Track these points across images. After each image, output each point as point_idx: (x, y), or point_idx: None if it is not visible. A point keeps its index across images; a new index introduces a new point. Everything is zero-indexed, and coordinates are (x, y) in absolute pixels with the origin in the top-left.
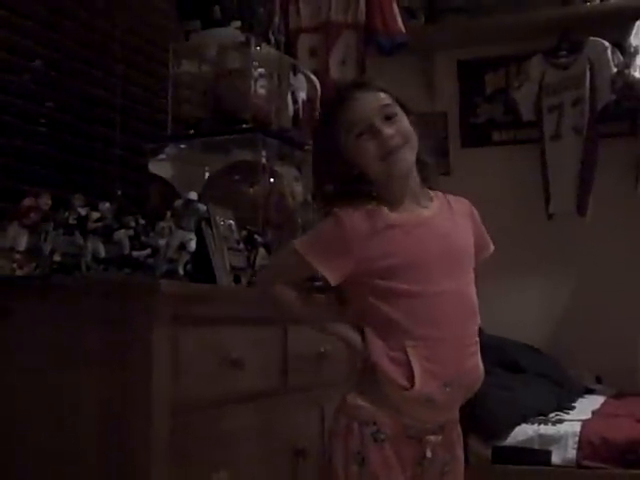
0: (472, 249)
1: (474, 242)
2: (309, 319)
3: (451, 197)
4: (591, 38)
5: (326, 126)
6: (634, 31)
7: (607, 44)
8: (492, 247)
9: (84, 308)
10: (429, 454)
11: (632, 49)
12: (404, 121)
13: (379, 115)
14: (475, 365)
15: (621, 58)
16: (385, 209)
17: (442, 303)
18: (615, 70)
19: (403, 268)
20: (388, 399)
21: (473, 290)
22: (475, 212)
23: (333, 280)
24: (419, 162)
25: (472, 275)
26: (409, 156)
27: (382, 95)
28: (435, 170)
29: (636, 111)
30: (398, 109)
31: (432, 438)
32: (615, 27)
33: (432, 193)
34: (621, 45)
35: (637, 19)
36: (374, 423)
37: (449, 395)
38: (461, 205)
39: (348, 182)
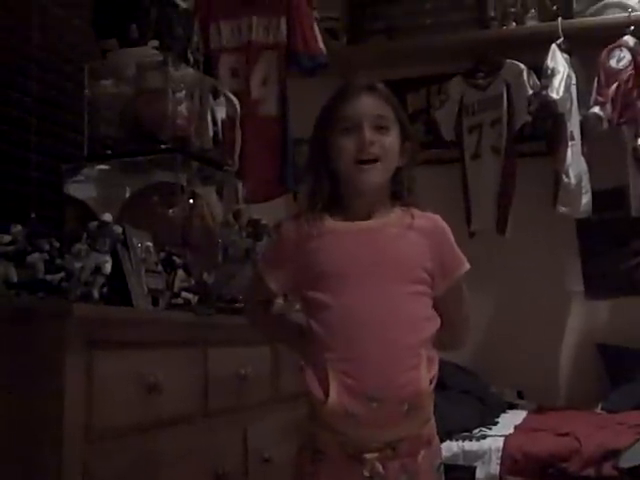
0: (417, 265)
1: (434, 259)
2: (277, 338)
3: (418, 213)
4: (508, 60)
5: (324, 112)
6: (550, 54)
7: (523, 66)
8: (466, 265)
9: None
10: (366, 473)
11: (549, 71)
12: (392, 141)
13: (371, 120)
14: (412, 380)
15: (537, 80)
16: (327, 216)
17: (363, 316)
18: (531, 92)
19: (327, 278)
20: (322, 417)
21: (414, 303)
22: (441, 230)
23: (276, 290)
24: (394, 180)
25: (415, 288)
26: (379, 174)
27: (385, 106)
28: (412, 189)
29: (553, 131)
30: (395, 127)
31: (368, 456)
32: (531, 50)
33: (398, 208)
34: (537, 67)
35: (552, 42)
36: (313, 442)
37: (377, 411)
38: (424, 221)
39: (322, 174)
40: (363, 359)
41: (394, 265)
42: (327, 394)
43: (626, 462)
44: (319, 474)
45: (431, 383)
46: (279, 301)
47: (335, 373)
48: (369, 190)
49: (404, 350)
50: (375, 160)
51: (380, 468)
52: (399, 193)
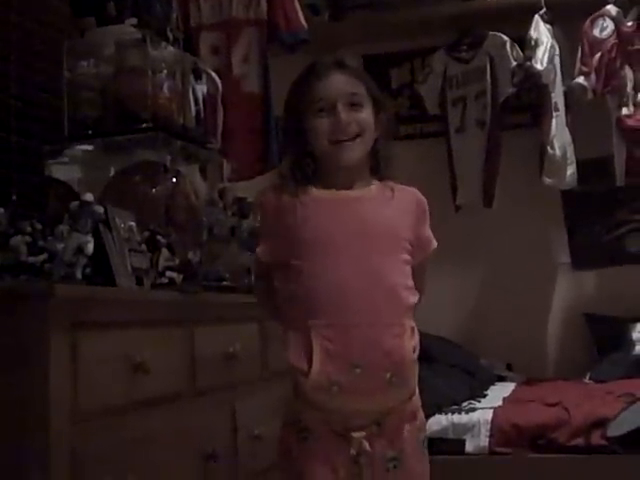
0: (401, 234)
1: (414, 231)
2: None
3: (398, 186)
4: (491, 33)
5: (295, 93)
6: (533, 24)
7: (506, 38)
8: (434, 243)
9: None
10: (353, 452)
11: (533, 42)
12: (367, 115)
13: (344, 99)
14: (396, 347)
15: (520, 52)
16: (309, 186)
17: (348, 283)
18: (515, 63)
19: (312, 245)
20: (305, 393)
21: (398, 272)
22: (420, 204)
23: (263, 258)
24: (372, 153)
25: (399, 257)
26: (357, 150)
27: (356, 82)
28: (389, 162)
29: (537, 103)
30: (368, 102)
31: (355, 435)
32: (514, 22)
33: (377, 182)
34: (520, 39)
35: (534, 13)
36: (298, 420)
37: (360, 377)
38: (405, 194)
39: (299, 156)
40: (348, 326)
41: (378, 234)
42: (310, 365)
43: (614, 431)
44: (305, 453)
45: (414, 352)
46: None
47: (319, 340)
48: (347, 165)
49: (389, 318)
50: (354, 137)
51: (367, 446)
52: (376, 166)
